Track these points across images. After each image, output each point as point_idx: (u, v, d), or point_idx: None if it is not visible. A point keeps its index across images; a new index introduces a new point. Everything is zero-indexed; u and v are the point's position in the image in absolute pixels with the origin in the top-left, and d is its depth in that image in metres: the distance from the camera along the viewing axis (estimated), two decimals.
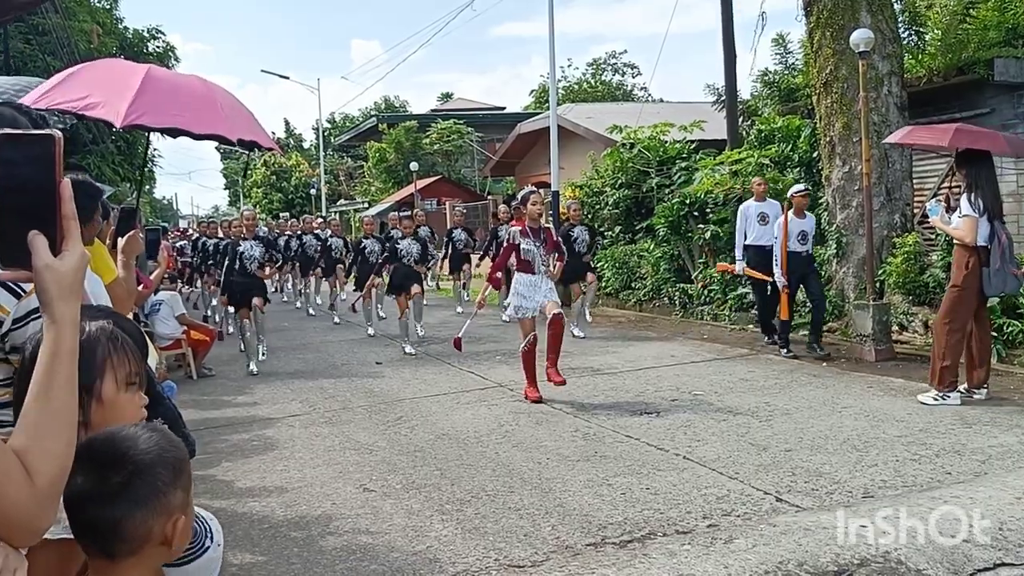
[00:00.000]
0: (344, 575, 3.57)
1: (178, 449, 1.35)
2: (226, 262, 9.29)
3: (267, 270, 9.36)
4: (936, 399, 6.03)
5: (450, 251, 14.70)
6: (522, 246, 6.80)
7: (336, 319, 13.28)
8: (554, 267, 7.04)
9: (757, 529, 3.77)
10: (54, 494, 1.08)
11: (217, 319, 12.58)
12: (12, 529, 1.04)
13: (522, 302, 6.74)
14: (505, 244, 7.08)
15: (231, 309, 10.58)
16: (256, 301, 9.09)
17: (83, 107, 3.68)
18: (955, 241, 6.26)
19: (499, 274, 7.49)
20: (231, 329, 11.60)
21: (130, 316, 2.75)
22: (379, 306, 12.13)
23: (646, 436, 5.56)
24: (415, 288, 9.85)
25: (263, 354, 9.41)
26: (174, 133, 4.11)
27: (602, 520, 4.02)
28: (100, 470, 1.27)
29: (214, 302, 13.00)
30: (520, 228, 6.89)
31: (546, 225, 7.19)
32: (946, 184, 10.21)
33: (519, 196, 7.38)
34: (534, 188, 7.29)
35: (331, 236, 14.51)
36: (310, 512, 4.38)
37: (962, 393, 6.11)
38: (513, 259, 6.91)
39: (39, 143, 1.04)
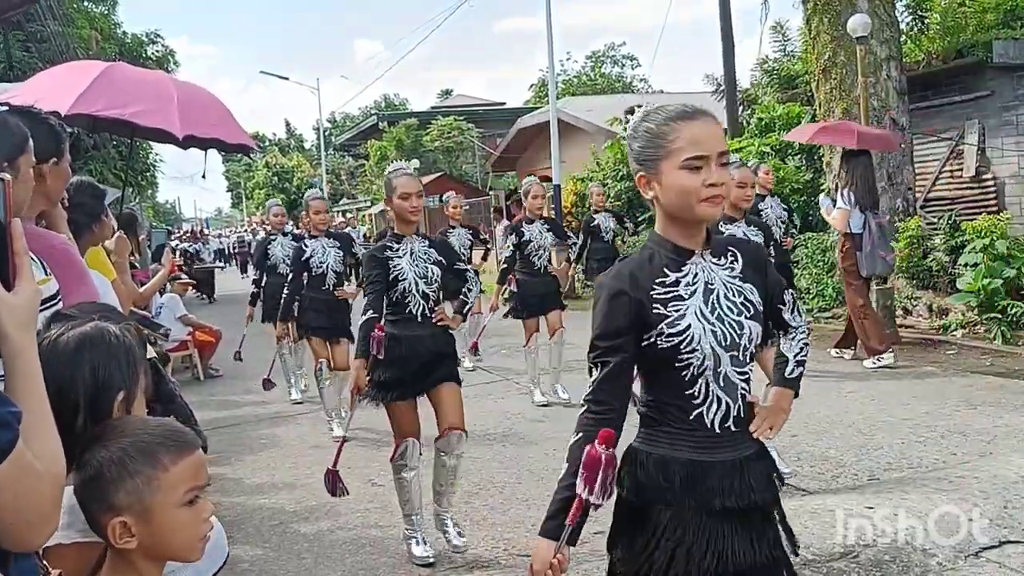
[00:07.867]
0: (354, 568, 3.61)
1: (145, 456, 1.30)
2: (290, 273, 5.88)
3: (349, 286, 5.77)
4: (874, 363, 6.78)
5: None
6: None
7: None
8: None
9: None
10: (60, 490, 1.10)
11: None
12: (34, 523, 1.05)
13: None
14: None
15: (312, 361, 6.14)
16: (343, 344, 5.65)
17: (131, 114, 3.92)
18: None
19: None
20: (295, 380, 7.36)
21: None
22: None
23: None
24: None
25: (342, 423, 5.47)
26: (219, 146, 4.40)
27: (609, 508, 4.03)
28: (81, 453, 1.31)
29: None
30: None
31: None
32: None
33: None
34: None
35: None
36: (319, 507, 4.41)
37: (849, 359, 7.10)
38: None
39: None
